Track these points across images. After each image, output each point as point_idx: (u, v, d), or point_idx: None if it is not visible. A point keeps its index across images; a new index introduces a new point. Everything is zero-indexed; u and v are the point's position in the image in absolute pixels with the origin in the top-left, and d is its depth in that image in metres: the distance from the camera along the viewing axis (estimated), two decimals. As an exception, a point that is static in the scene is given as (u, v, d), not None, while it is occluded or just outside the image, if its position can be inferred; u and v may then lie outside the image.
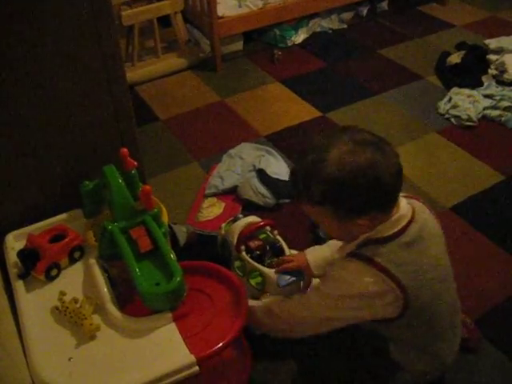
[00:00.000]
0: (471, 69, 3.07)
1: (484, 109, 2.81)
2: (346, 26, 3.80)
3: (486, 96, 2.89)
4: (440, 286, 1.34)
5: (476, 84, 2.97)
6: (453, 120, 2.78)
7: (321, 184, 1.21)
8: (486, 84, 2.98)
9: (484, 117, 2.80)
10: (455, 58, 3.18)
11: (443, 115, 2.83)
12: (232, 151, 2.52)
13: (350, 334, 1.44)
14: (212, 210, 2.20)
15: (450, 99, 2.88)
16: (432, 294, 1.31)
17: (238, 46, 3.51)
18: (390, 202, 1.26)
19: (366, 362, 1.46)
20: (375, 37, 3.67)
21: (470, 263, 2.03)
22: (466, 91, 2.90)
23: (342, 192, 1.21)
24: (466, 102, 2.81)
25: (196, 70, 3.35)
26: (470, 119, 2.73)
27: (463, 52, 3.22)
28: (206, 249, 2.02)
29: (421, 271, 1.28)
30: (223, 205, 2.22)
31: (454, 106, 2.81)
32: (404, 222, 1.29)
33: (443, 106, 2.87)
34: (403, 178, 1.26)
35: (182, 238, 2.00)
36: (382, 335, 1.38)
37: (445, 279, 1.36)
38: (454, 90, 2.95)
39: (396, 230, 1.28)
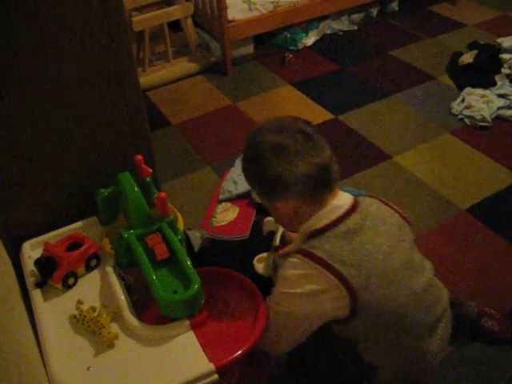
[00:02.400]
0: (484, 68, 3.05)
1: (498, 109, 2.79)
2: (356, 28, 3.79)
3: (500, 96, 2.87)
4: (396, 277, 1.27)
5: (489, 84, 2.95)
6: (466, 120, 2.76)
7: (243, 164, 1.35)
8: (499, 83, 2.96)
9: (498, 117, 2.78)
10: (467, 58, 3.16)
11: (457, 116, 2.81)
12: (245, 155, 2.52)
13: (321, 340, 1.44)
14: (226, 214, 2.19)
15: (464, 99, 2.86)
16: (385, 285, 1.26)
17: (249, 49, 3.51)
18: (310, 192, 1.27)
19: (342, 365, 1.44)
20: (386, 38, 3.65)
21: (486, 264, 2.01)
22: (480, 91, 2.88)
23: (252, 171, 1.31)
24: (480, 102, 2.79)
25: (207, 74, 3.35)
26: (483, 119, 2.71)
27: (475, 51, 3.20)
28: (220, 254, 2.02)
29: (364, 261, 1.24)
30: (237, 209, 2.22)
31: (468, 107, 2.79)
32: (340, 213, 1.28)
33: (456, 106, 2.85)
34: (330, 174, 1.27)
35: (196, 244, 1.99)
36: (349, 337, 1.35)
37: (403, 270, 1.29)
38: (467, 90, 2.93)
39: (329, 221, 1.28)
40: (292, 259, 1.29)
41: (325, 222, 1.29)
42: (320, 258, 1.24)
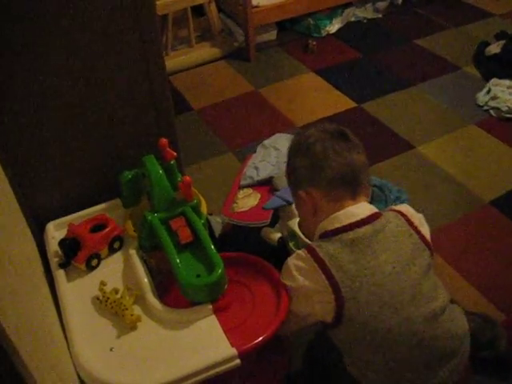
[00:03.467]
0: (511, 59, 2.99)
1: (525, 100, 2.74)
2: (380, 16, 3.74)
3: (527, 87, 2.81)
4: (391, 300, 1.24)
5: (516, 75, 2.90)
6: (492, 112, 2.72)
7: (288, 155, 1.45)
8: (526, 75, 2.90)
9: (525, 109, 2.73)
10: (494, 48, 3.11)
11: (482, 107, 2.77)
12: (266, 142, 2.50)
13: (310, 345, 1.50)
14: (247, 200, 2.18)
15: (489, 90, 2.81)
16: (375, 303, 1.23)
17: (272, 35, 3.48)
18: (334, 187, 1.32)
19: (327, 375, 1.45)
20: (411, 26, 3.60)
21: (508, 258, 1.99)
22: (506, 82, 2.83)
23: (291, 155, 1.42)
24: (506, 94, 2.74)
25: (229, 59, 3.33)
26: (510, 111, 2.66)
27: (503, 42, 3.13)
28: (241, 240, 2.02)
29: (361, 273, 1.24)
30: (258, 196, 2.20)
31: (494, 98, 2.75)
32: (352, 220, 1.29)
33: (482, 97, 2.80)
34: (358, 178, 1.32)
35: (217, 229, 1.99)
36: (337, 346, 1.34)
37: (403, 294, 1.25)
38: (494, 81, 2.88)
39: (340, 225, 1.29)
40: (299, 251, 1.32)
41: (336, 225, 1.30)
42: (320, 259, 1.25)
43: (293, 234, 1.71)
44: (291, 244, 1.72)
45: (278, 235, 1.77)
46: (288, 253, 1.71)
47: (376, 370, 1.30)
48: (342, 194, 1.32)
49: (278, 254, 1.49)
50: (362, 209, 1.32)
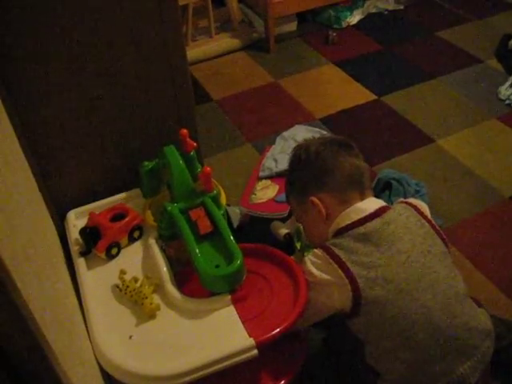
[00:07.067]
0: (535, 53, 2.95)
1: (548, 95, 2.70)
2: (402, 7, 3.70)
3: (551, 82, 2.78)
4: (407, 286, 1.26)
5: (540, 69, 2.86)
6: (514, 106, 2.69)
7: (290, 168, 1.52)
8: (550, 69, 2.86)
9: (547, 103, 2.69)
10: (518, 42, 3.07)
11: (504, 101, 2.73)
12: (285, 133, 2.50)
13: (329, 333, 1.54)
14: (266, 192, 2.19)
15: (512, 84, 2.78)
16: (391, 290, 1.25)
17: (292, 26, 3.46)
18: (345, 188, 1.38)
19: (346, 365, 1.48)
20: (433, 18, 3.56)
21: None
22: (529, 76, 2.80)
23: (297, 167, 1.48)
24: (529, 88, 2.71)
25: (249, 50, 3.32)
26: (532, 105, 2.63)
27: (527, 35, 3.10)
28: (259, 231, 2.02)
29: (376, 263, 1.27)
30: (277, 187, 2.21)
31: (516, 92, 2.72)
32: (361, 215, 1.34)
33: (504, 91, 2.77)
34: (364, 179, 1.41)
35: (235, 220, 2.00)
36: (357, 336, 1.35)
37: (418, 281, 1.27)
38: (516, 74, 2.84)
39: (351, 221, 1.34)
40: (315, 250, 1.36)
41: (346, 222, 1.35)
42: (335, 254, 1.30)
43: (299, 232, 1.70)
44: (297, 244, 1.72)
45: (286, 231, 1.77)
46: (293, 250, 1.71)
47: (394, 360, 1.30)
48: (352, 196, 1.39)
49: (284, 250, 1.50)
50: (368, 204, 1.38)
